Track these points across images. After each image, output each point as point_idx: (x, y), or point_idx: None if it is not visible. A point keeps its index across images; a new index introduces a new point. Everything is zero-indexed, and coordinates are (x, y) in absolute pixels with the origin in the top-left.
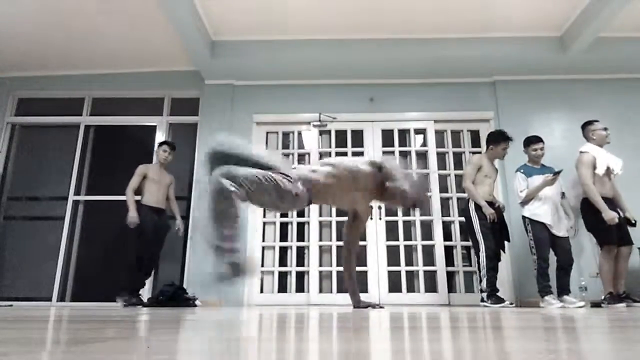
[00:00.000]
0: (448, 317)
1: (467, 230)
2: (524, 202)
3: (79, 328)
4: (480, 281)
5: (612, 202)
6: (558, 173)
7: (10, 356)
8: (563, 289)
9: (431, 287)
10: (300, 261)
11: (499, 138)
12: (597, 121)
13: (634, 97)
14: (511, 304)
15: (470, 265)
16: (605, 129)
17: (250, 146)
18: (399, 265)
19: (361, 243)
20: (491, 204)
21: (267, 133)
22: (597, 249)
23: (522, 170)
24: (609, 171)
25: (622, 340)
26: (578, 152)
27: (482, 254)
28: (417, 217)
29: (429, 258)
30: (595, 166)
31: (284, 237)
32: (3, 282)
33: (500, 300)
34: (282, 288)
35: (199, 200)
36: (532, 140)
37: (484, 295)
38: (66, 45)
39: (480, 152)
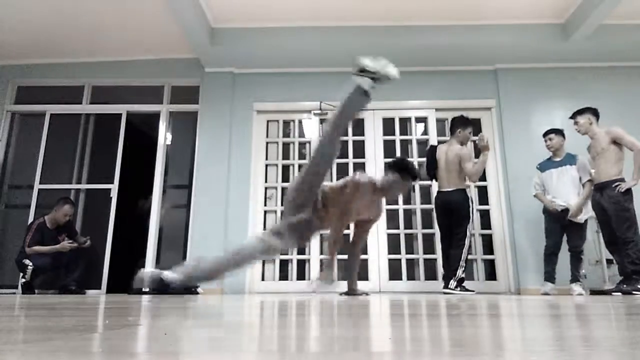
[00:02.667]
0: (447, 304)
1: (457, 218)
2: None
3: (91, 315)
4: (455, 269)
5: None
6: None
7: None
8: (572, 276)
9: (431, 275)
10: (301, 249)
11: (466, 122)
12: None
13: (637, 85)
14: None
15: (471, 254)
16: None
17: None
18: (399, 253)
19: None
20: None
21: (268, 122)
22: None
23: (538, 166)
24: None
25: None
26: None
27: (466, 248)
28: (417, 205)
29: (429, 246)
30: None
31: None
32: (5, 270)
33: (465, 289)
34: (284, 276)
35: None
36: (543, 134)
37: (453, 283)
38: (66, 33)
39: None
